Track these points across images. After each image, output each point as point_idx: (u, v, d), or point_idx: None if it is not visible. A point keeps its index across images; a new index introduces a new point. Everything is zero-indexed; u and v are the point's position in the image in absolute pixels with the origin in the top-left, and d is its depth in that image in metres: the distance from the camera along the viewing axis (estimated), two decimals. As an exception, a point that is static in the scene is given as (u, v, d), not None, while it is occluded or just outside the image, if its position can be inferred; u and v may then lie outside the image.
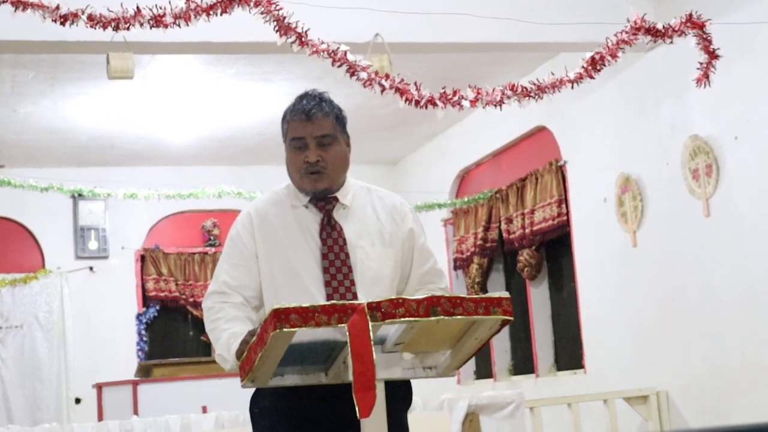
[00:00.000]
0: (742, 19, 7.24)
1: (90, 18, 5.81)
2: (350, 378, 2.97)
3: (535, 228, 10.22)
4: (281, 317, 2.97)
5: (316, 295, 3.54)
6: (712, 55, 6.30)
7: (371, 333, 2.99)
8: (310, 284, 3.57)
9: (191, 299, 12.29)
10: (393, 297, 3.12)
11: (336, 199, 3.69)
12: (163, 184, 10.92)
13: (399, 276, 3.71)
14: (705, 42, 6.26)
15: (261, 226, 3.67)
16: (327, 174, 3.64)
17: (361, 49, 6.90)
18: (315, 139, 3.62)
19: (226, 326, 3.53)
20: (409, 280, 3.73)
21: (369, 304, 3.03)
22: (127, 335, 12.28)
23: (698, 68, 6.33)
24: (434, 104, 6.25)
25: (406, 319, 3.05)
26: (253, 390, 3.56)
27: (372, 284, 3.60)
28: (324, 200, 3.68)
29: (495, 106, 6.37)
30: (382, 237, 3.69)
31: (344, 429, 3.42)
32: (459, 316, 3.10)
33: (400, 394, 3.58)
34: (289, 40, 5.98)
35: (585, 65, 6.30)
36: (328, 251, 3.61)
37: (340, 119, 3.70)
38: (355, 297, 3.54)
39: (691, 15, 6.24)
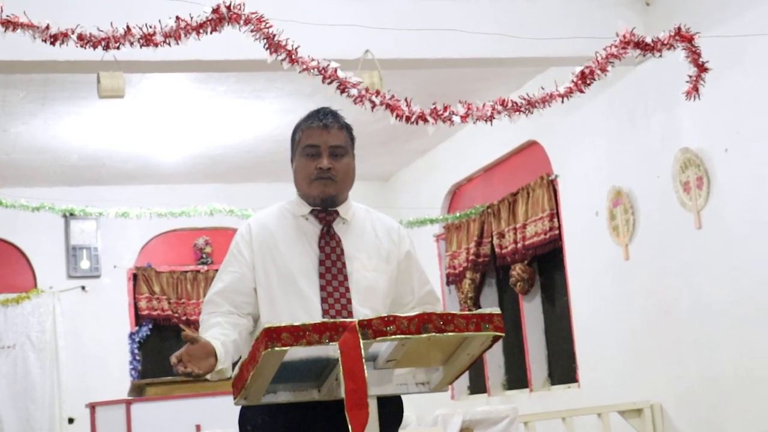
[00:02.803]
0: (731, 32, 7.27)
1: (80, 37, 5.81)
2: (343, 395, 2.98)
3: (527, 242, 10.22)
4: (272, 336, 2.98)
5: (311, 299, 3.59)
6: (702, 68, 6.32)
7: (362, 351, 2.99)
8: (306, 288, 3.61)
9: (184, 317, 12.27)
10: (384, 315, 3.12)
11: (337, 213, 3.76)
12: (155, 203, 10.92)
13: (393, 295, 3.76)
14: (694, 55, 6.28)
15: (260, 234, 3.72)
16: (336, 183, 3.72)
17: (351, 65, 6.91)
18: (329, 148, 3.71)
19: (214, 341, 3.53)
20: (411, 299, 3.79)
21: (360, 322, 3.04)
22: (120, 354, 12.25)
23: (688, 81, 6.35)
24: (425, 120, 6.26)
25: (397, 336, 3.06)
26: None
27: (366, 293, 3.65)
28: (325, 212, 3.74)
29: (485, 121, 6.39)
30: (379, 252, 3.75)
31: None
32: (450, 333, 3.10)
33: (391, 411, 3.58)
34: (280, 58, 5.99)
35: (575, 79, 6.31)
36: (326, 258, 3.66)
37: (351, 136, 3.82)
38: (349, 303, 3.60)
39: (679, 28, 6.26)
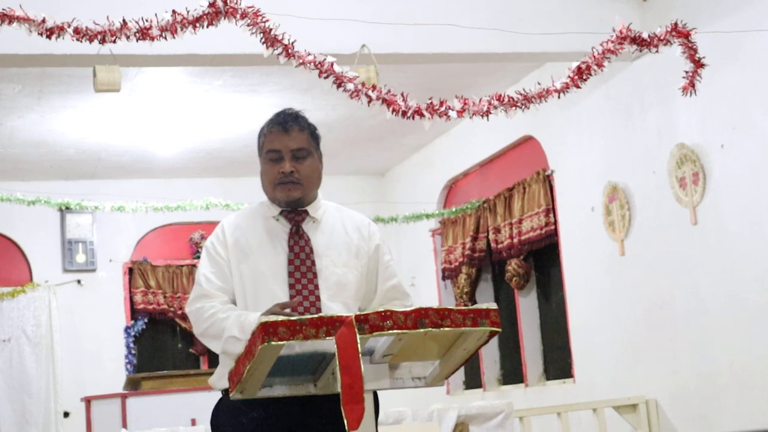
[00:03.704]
0: (728, 28, 7.27)
1: (76, 31, 5.80)
2: (339, 389, 2.98)
3: (523, 237, 10.23)
4: (269, 330, 2.98)
5: (280, 297, 3.62)
6: (698, 64, 6.31)
7: (359, 345, 2.99)
8: (275, 287, 3.66)
9: (179, 312, 12.27)
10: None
11: (306, 213, 3.81)
12: (151, 197, 10.91)
13: (364, 289, 3.81)
14: (690, 51, 6.28)
15: (232, 235, 3.78)
16: (301, 185, 3.76)
17: (347, 60, 6.91)
18: (290, 151, 3.75)
19: (227, 314, 3.63)
20: (375, 295, 3.84)
21: (357, 317, 3.04)
22: (116, 348, 12.25)
23: (684, 77, 6.34)
24: (421, 115, 6.26)
25: (394, 331, 3.06)
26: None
27: (337, 289, 3.71)
28: (294, 212, 3.80)
29: (482, 116, 6.38)
30: (349, 249, 3.80)
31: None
32: (446, 328, 3.10)
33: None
34: (276, 52, 5.98)
35: (571, 75, 6.31)
36: (295, 257, 3.71)
37: (314, 136, 3.85)
38: (318, 300, 3.66)
39: (676, 24, 6.25)
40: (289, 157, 3.74)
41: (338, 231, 3.82)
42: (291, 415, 3.57)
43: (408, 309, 3.09)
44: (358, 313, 3.10)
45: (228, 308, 3.66)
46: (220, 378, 3.70)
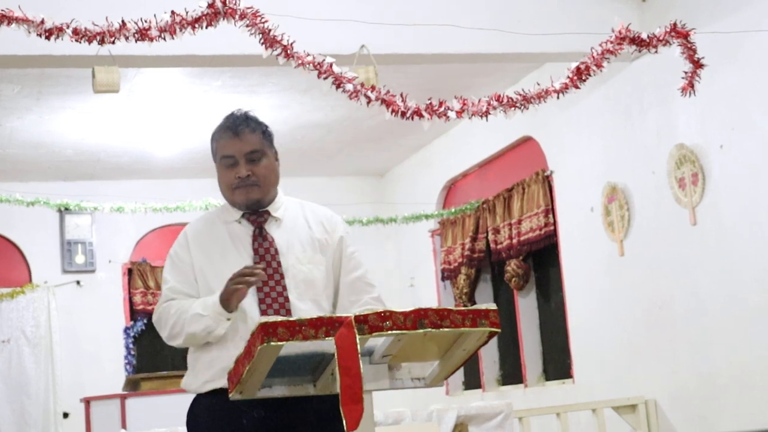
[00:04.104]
0: (727, 28, 7.27)
1: (75, 32, 5.80)
2: (338, 389, 2.98)
3: (522, 238, 10.23)
4: (268, 331, 2.98)
5: (249, 301, 3.61)
6: (697, 64, 6.32)
7: (359, 346, 2.99)
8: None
9: (179, 312, 12.24)
10: (380, 310, 3.12)
11: (268, 213, 3.79)
12: (150, 198, 10.91)
13: (332, 283, 3.79)
14: (690, 51, 6.28)
15: (195, 242, 3.77)
16: (258, 186, 3.75)
17: (346, 60, 6.91)
18: (244, 155, 3.74)
19: (190, 303, 3.64)
20: (339, 287, 3.80)
21: (356, 317, 3.04)
22: (115, 349, 12.24)
23: (683, 77, 6.35)
24: (420, 115, 6.26)
25: (393, 332, 3.06)
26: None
27: (305, 287, 3.69)
28: (256, 214, 3.78)
29: (481, 116, 6.38)
30: (313, 244, 3.77)
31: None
32: (446, 329, 3.10)
33: (335, 405, 3.59)
34: (275, 53, 5.98)
35: (570, 75, 6.31)
36: (260, 260, 3.70)
37: (267, 135, 3.82)
38: (287, 300, 3.64)
39: (675, 24, 6.26)
40: (244, 161, 3.73)
41: (301, 227, 3.80)
42: (288, 416, 3.57)
43: (407, 310, 3.09)
44: (358, 313, 3.09)
45: (192, 301, 3.66)
46: (193, 380, 3.69)
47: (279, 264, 3.69)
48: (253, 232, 3.75)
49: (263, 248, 3.72)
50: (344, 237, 3.85)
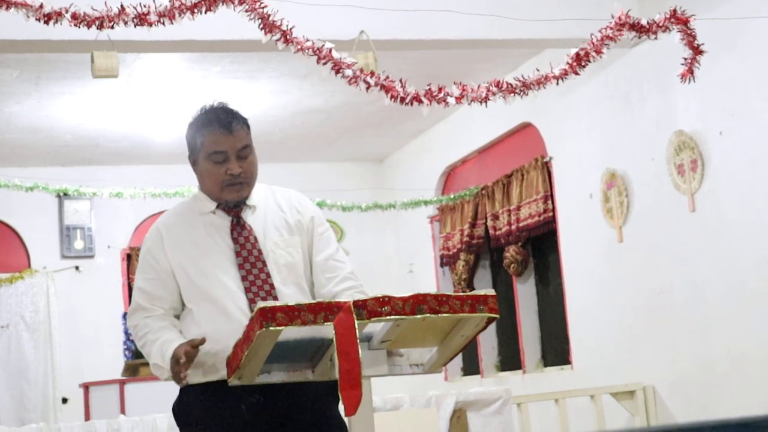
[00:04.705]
0: (727, 15, 7.26)
1: (74, 17, 5.79)
2: (337, 375, 2.98)
3: (521, 224, 10.23)
4: (267, 316, 2.98)
5: (235, 290, 3.62)
6: (697, 51, 6.31)
7: (357, 331, 2.99)
8: (228, 281, 3.64)
9: (178, 298, 12.24)
10: (378, 295, 3.12)
11: (244, 203, 3.78)
12: (149, 183, 10.89)
13: (308, 264, 3.79)
14: (689, 37, 6.27)
15: (169, 237, 3.74)
16: (248, 184, 3.75)
17: (346, 46, 6.90)
18: (236, 152, 3.70)
19: (155, 336, 3.63)
20: (313, 266, 3.79)
21: (355, 303, 3.04)
22: (114, 334, 12.24)
23: (683, 64, 6.34)
24: (420, 101, 6.25)
25: (392, 317, 3.06)
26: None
27: (287, 272, 3.70)
28: (233, 204, 3.77)
29: (480, 102, 6.37)
30: (288, 226, 3.78)
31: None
32: (445, 314, 3.10)
33: (329, 389, 3.60)
34: (274, 38, 5.97)
35: (570, 61, 6.30)
36: (241, 249, 3.70)
37: (249, 127, 3.81)
38: (272, 287, 3.65)
39: (675, 11, 6.24)
40: (235, 157, 3.70)
41: (274, 211, 3.80)
42: (285, 402, 3.57)
43: (406, 295, 3.09)
44: (357, 299, 3.10)
45: (158, 328, 3.63)
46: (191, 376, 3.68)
47: (260, 252, 3.69)
48: (231, 221, 3.74)
49: (243, 237, 3.71)
50: (315, 217, 3.85)
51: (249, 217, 3.76)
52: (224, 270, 3.65)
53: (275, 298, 3.60)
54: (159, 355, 3.56)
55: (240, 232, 3.72)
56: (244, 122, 3.77)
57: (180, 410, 3.72)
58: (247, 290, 3.62)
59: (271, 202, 3.82)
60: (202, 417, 3.61)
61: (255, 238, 3.71)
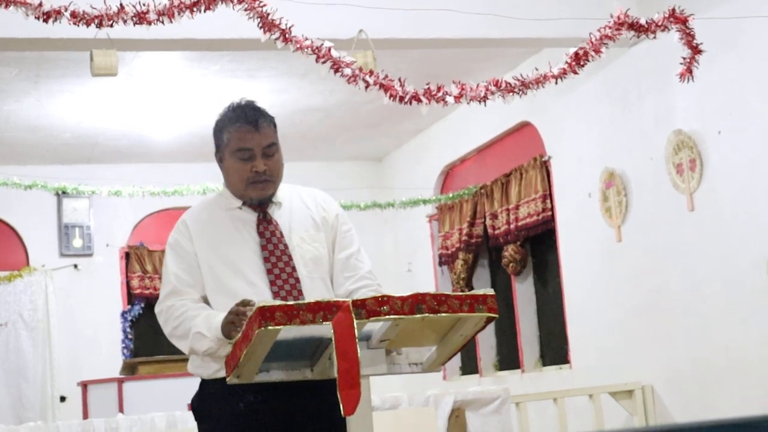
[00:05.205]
0: (725, 14, 7.26)
1: (73, 15, 5.79)
2: (335, 374, 2.98)
3: (519, 223, 10.23)
4: (266, 315, 2.98)
5: (260, 285, 3.62)
6: (696, 50, 6.31)
7: (356, 330, 2.99)
8: (254, 277, 3.64)
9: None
10: (378, 295, 3.12)
11: (269, 199, 3.78)
12: (148, 181, 10.90)
13: (331, 260, 3.80)
14: (688, 37, 6.28)
15: (196, 230, 3.74)
16: (273, 182, 3.75)
17: (345, 45, 6.90)
18: (262, 149, 3.70)
19: (197, 312, 3.61)
20: (333, 263, 3.79)
21: (354, 302, 3.04)
22: (112, 333, 12.25)
23: (681, 63, 6.34)
24: (418, 100, 6.25)
25: (391, 316, 3.06)
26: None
27: (313, 266, 3.70)
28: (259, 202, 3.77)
29: (479, 101, 6.38)
30: (314, 222, 3.79)
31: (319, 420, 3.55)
32: (443, 314, 3.10)
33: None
34: (273, 37, 5.97)
35: (569, 60, 6.31)
36: (267, 242, 3.70)
37: (276, 126, 3.80)
38: (298, 282, 3.65)
39: (674, 10, 6.25)
40: (261, 154, 3.70)
41: (299, 208, 3.81)
42: (288, 400, 3.57)
43: (405, 294, 3.09)
44: (354, 289, 3.10)
45: (199, 307, 3.63)
46: (197, 366, 3.68)
47: (286, 246, 3.70)
48: (257, 216, 3.74)
49: (269, 231, 3.72)
50: (339, 215, 3.87)
51: (275, 213, 3.76)
52: (249, 264, 3.66)
53: (300, 292, 3.61)
54: (205, 325, 3.53)
55: (266, 226, 3.73)
56: (270, 120, 3.76)
57: (199, 404, 3.71)
58: (272, 284, 3.63)
59: (296, 199, 3.83)
60: (222, 410, 3.60)
61: (281, 233, 3.72)
